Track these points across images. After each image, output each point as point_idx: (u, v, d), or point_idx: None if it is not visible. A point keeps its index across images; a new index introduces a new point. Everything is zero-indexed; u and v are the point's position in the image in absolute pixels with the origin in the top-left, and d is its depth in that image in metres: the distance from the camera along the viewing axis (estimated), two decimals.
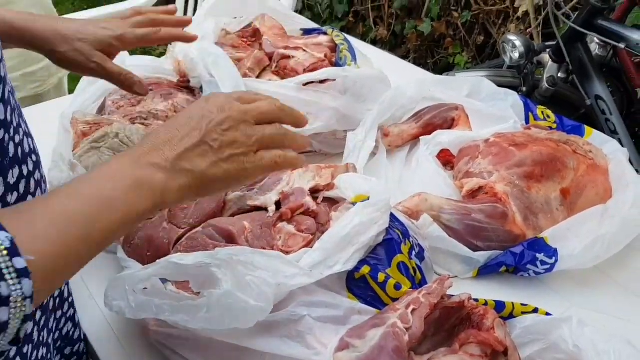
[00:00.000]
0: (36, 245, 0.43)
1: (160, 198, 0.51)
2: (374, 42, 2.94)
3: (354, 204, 0.74)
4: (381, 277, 0.66)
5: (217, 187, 0.55)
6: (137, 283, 0.63)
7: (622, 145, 0.97)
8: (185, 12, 2.07)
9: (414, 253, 0.73)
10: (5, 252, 0.40)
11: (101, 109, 1.01)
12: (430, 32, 2.68)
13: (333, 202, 0.82)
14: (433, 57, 2.83)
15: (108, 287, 0.65)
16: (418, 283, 0.70)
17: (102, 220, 0.47)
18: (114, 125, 0.88)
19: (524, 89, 1.74)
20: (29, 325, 0.58)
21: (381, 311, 0.61)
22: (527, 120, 1.03)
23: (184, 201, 0.57)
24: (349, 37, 1.19)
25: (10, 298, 0.40)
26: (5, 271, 0.40)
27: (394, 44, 2.95)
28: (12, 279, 0.40)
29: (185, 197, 0.53)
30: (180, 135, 0.53)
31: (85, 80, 1.02)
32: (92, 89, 1.01)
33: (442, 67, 2.77)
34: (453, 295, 0.63)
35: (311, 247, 0.70)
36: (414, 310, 0.56)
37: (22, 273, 0.41)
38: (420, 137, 0.99)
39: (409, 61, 2.75)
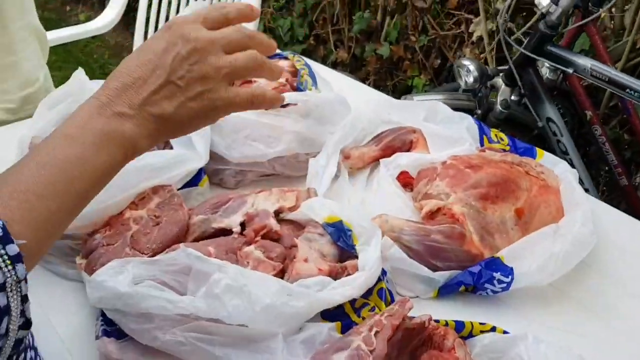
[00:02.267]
0: (20, 227, 0.43)
1: (131, 149, 0.50)
2: (334, 65, 2.99)
3: (328, 224, 0.76)
4: (359, 302, 0.68)
5: (188, 127, 0.53)
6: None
7: (573, 165, 1.02)
8: (147, 34, 2.06)
9: (385, 277, 0.75)
10: None
11: None
12: (389, 55, 2.74)
13: (297, 226, 0.83)
14: (392, 80, 2.89)
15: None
16: (388, 304, 0.72)
17: (77, 183, 0.47)
18: None
19: (479, 111, 1.79)
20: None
21: (344, 334, 0.62)
22: (481, 143, 1.06)
23: (156, 144, 0.55)
24: (310, 61, 1.22)
25: (6, 283, 0.41)
26: None
27: (354, 67, 3.00)
28: (6, 266, 0.41)
29: (156, 141, 0.52)
30: (144, 76, 0.49)
31: (44, 104, 1.01)
32: (52, 113, 1.00)
33: (401, 89, 2.83)
34: (414, 317, 0.64)
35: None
36: (376, 332, 0.58)
37: (15, 259, 0.41)
38: (381, 160, 1.01)
39: (369, 83, 2.81)
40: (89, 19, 2.19)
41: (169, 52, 0.50)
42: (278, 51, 1.26)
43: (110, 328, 0.69)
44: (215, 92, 0.52)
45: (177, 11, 2.05)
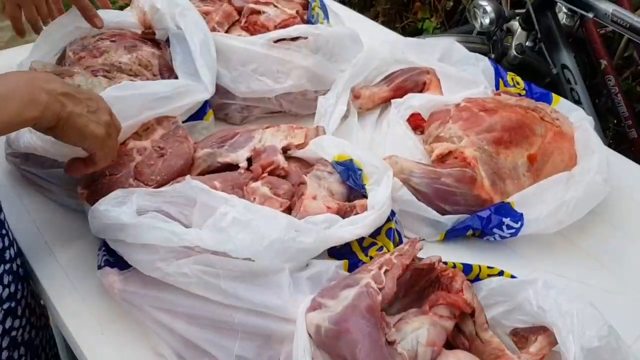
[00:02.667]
0: None
1: (40, 113, 0.58)
2: (342, 3, 2.89)
3: (338, 162, 0.73)
4: (367, 241, 0.67)
5: (73, 134, 0.62)
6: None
7: None
8: None
9: (394, 217, 0.74)
10: None
11: (61, 60, 0.96)
12: None
13: (304, 164, 0.81)
14: (402, 22, 2.81)
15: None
16: (396, 245, 0.71)
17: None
18: (75, 77, 0.84)
19: (493, 55, 1.74)
20: None
21: (353, 272, 0.61)
22: (497, 86, 1.03)
23: (50, 133, 0.63)
24: None
25: None
26: None
27: (362, 6, 2.91)
28: None
29: (52, 126, 0.61)
30: (73, 89, 0.63)
31: (45, 32, 0.97)
32: (53, 38, 0.96)
33: (410, 32, 2.75)
34: (423, 258, 0.63)
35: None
36: (386, 271, 0.57)
37: None
38: (392, 100, 0.98)
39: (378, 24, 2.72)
40: None
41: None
42: None
43: (112, 258, 0.68)
44: (107, 126, 0.66)
45: None
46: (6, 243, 0.72)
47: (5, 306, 0.72)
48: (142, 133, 0.81)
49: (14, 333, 0.74)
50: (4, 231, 0.72)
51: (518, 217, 0.80)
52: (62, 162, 0.79)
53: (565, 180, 0.85)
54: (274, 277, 0.61)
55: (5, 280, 0.71)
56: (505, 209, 0.81)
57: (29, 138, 0.75)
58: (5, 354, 0.74)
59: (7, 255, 0.72)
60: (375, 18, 2.82)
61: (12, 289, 0.73)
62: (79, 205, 0.78)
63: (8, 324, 0.73)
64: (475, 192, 0.82)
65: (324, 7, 1.08)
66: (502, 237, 0.81)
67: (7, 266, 0.72)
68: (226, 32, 1.04)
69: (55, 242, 0.79)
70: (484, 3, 1.66)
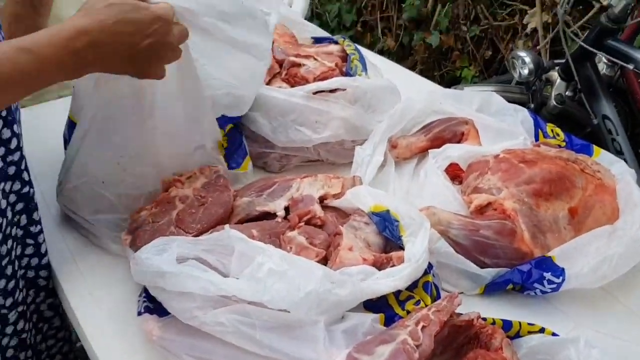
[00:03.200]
0: None
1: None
2: (381, 53, 2.94)
3: (375, 213, 0.74)
4: (403, 294, 0.67)
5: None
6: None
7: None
8: None
9: (431, 270, 0.73)
10: None
11: None
12: (438, 45, 2.68)
13: (341, 214, 0.82)
14: (440, 70, 2.84)
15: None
16: (434, 299, 0.70)
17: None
18: None
19: (532, 105, 1.74)
20: None
21: (389, 327, 0.61)
22: (536, 137, 1.02)
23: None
24: (359, 47, 1.19)
25: None
26: None
27: (401, 55, 2.95)
28: None
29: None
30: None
31: None
32: None
33: (448, 80, 2.77)
34: (461, 314, 0.62)
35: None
36: (423, 327, 0.56)
37: None
38: (429, 150, 0.99)
39: (416, 73, 2.75)
40: None
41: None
42: (328, 35, 1.24)
43: (152, 305, 0.69)
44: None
45: None
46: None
47: (20, 309, 0.78)
48: (185, 181, 0.84)
49: (24, 335, 0.80)
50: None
51: (559, 272, 0.78)
52: (108, 208, 0.83)
53: (608, 235, 0.83)
54: (309, 330, 0.61)
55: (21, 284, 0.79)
56: (546, 263, 0.79)
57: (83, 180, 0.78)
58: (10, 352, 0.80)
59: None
60: (413, 66, 2.85)
61: (24, 294, 0.80)
62: (123, 251, 0.80)
63: (19, 326, 0.79)
64: (515, 245, 0.81)
65: (362, 60, 1.11)
66: (543, 292, 0.79)
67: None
68: (267, 83, 1.07)
69: (97, 286, 0.80)
70: (522, 54, 1.66)
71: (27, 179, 0.78)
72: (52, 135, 0.98)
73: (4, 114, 0.72)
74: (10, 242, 0.76)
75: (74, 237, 0.88)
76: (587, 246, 0.82)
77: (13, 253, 0.77)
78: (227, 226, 0.72)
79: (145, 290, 0.71)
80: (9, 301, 0.78)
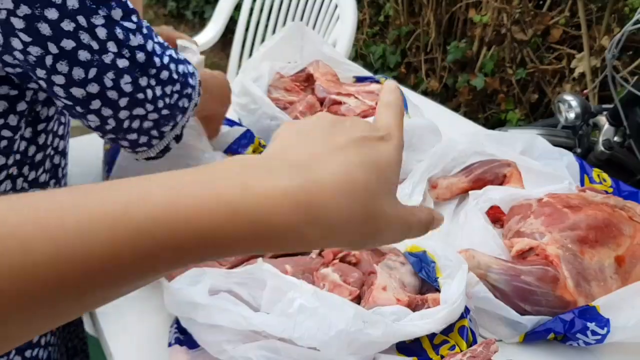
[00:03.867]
0: None
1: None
2: (425, 94, 2.95)
3: (411, 254, 0.73)
4: (438, 338, 0.65)
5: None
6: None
7: None
8: (242, 55, 2.12)
9: (468, 315, 0.71)
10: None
11: None
12: (483, 87, 2.67)
13: (376, 252, 0.80)
14: (484, 112, 2.81)
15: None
16: (469, 345, 0.67)
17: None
18: None
19: (579, 150, 1.70)
20: None
21: None
22: (582, 182, 0.99)
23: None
24: (401, 87, 1.20)
25: None
26: None
27: (445, 97, 2.95)
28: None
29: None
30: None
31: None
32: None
33: (493, 123, 2.75)
34: None
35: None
36: None
37: None
38: (470, 192, 0.97)
39: (460, 114, 2.74)
40: None
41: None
42: (371, 75, 1.25)
43: (183, 337, 0.69)
44: None
45: (274, 32, 2.10)
46: None
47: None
48: None
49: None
50: None
51: (604, 323, 0.75)
52: None
53: None
54: None
55: None
56: (590, 313, 0.76)
57: None
58: None
59: None
60: (457, 108, 2.84)
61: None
62: (157, 280, 0.80)
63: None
64: (557, 293, 0.78)
65: (403, 99, 1.11)
66: (587, 344, 0.75)
67: None
68: None
69: (129, 314, 0.81)
70: (569, 98, 1.64)
71: None
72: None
73: (60, 148, 0.75)
74: None
75: None
76: (634, 297, 0.78)
77: None
78: (260, 259, 0.72)
79: (177, 321, 0.71)
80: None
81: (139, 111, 0.66)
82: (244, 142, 0.95)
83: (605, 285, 0.80)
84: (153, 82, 0.65)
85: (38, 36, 0.56)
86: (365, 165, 0.35)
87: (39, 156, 0.71)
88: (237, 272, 0.69)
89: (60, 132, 0.75)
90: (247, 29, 2.10)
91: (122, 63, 0.62)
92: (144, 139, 0.70)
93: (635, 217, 0.88)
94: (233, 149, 0.94)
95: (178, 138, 0.75)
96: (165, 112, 0.69)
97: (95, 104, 0.63)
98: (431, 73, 3.01)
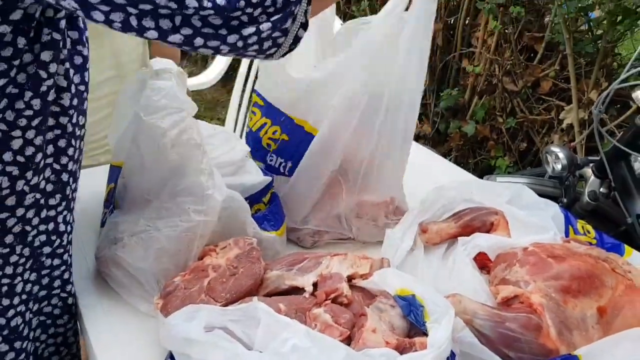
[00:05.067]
0: None
1: None
2: (417, 138, 2.99)
3: (400, 297, 0.75)
4: None
5: None
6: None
7: None
8: (243, 91, 2.16)
9: (454, 358, 0.73)
10: None
11: None
12: (474, 134, 2.73)
13: (367, 294, 0.83)
14: (475, 158, 2.87)
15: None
16: None
17: None
18: None
19: (565, 200, 1.74)
20: None
21: None
22: (566, 233, 1.03)
23: None
24: None
25: None
26: None
27: (437, 141, 3.01)
28: None
29: None
30: None
31: None
32: None
33: (483, 168, 2.80)
34: None
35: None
36: None
37: None
38: (459, 238, 1.00)
39: (451, 159, 2.80)
40: (191, 74, 2.35)
41: None
42: None
43: None
44: None
45: None
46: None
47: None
48: (220, 251, 0.87)
49: None
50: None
51: None
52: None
53: (637, 337, 0.82)
54: None
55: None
56: None
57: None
58: None
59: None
60: (448, 152, 2.90)
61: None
62: (154, 312, 0.82)
63: None
64: (540, 341, 0.80)
65: None
66: None
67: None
68: None
69: (126, 345, 0.82)
70: (556, 149, 1.69)
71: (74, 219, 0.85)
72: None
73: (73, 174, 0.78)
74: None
75: (109, 296, 0.92)
76: (615, 347, 0.80)
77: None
78: (255, 298, 0.74)
79: (171, 355, 0.72)
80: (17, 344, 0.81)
81: None
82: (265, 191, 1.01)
83: (587, 335, 0.83)
84: None
85: None
86: None
87: (39, 159, 0.74)
88: (232, 310, 0.72)
89: (70, 152, 0.79)
90: (250, 67, 2.16)
91: None
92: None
93: (618, 269, 0.92)
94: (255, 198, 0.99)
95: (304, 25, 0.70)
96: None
97: None
98: (424, 118, 3.07)
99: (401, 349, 0.71)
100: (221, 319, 0.70)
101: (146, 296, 0.86)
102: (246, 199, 0.93)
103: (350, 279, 0.84)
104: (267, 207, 0.98)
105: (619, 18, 2.20)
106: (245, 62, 2.14)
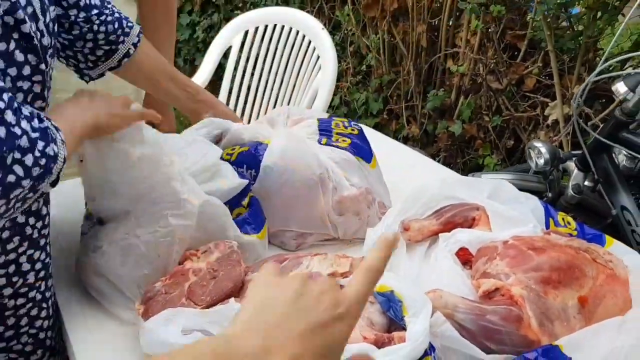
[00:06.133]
0: None
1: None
2: (405, 139, 3.02)
3: (379, 293, 0.76)
4: None
5: None
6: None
7: None
8: (229, 99, 2.17)
9: (433, 352, 0.74)
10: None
11: None
12: (461, 133, 2.74)
13: None
14: (463, 157, 2.88)
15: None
16: None
17: None
18: None
19: (550, 194, 1.75)
20: None
21: None
22: (547, 226, 1.03)
23: None
24: (382, 134, 1.24)
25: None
26: None
27: (425, 142, 3.02)
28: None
29: None
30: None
31: None
32: None
33: (471, 167, 2.81)
34: None
35: None
36: None
37: None
38: (440, 234, 1.00)
39: (439, 159, 2.81)
40: None
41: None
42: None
43: None
44: None
45: (259, 81, 2.16)
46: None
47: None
48: (201, 255, 0.87)
49: None
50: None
51: None
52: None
53: (618, 326, 0.82)
54: None
55: None
56: (553, 352, 0.78)
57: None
58: None
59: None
60: (437, 153, 2.91)
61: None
62: (137, 320, 0.82)
63: None
64: (521, 332, 0.81)
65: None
66: None
67: None
68: None
69: (107, 352, 0.82)
70: (538, 144, 1.70)
71: (48, 251, 0.83)
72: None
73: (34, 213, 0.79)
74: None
75: (90, 305, 0.91)
76: (596, 336, 0.81)
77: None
78: (232, 299, 0.74)
79: None
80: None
81: None
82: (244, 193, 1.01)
83: (568, 325, 0.84)
84: None
85: None
86: (316, 355, 0.43)
87: None
88: (210, 312, 0.72)
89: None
90: (233, 76, 2.17)
91: None
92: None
93: (599, 259, 0.92)
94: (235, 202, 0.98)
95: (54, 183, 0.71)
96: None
97: None
98: (412, 119, 3.09)
99: (380, 344, 0.71)
100: (199, 321, 0.70)
101: (128, 304, 0.86)
102: (226, 203, 0.93)
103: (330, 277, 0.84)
104: (247, 210, 0.99)
105: (599, 13, 2.22)
106: (229, 73, 2.15)
